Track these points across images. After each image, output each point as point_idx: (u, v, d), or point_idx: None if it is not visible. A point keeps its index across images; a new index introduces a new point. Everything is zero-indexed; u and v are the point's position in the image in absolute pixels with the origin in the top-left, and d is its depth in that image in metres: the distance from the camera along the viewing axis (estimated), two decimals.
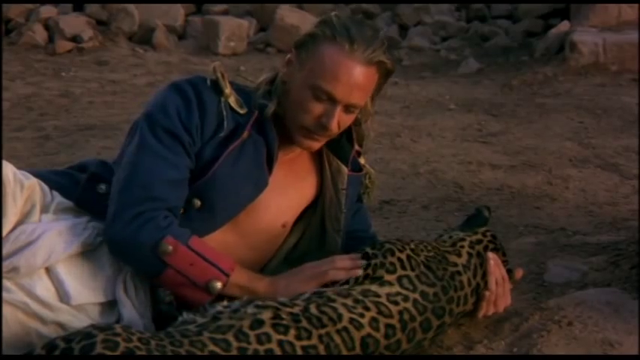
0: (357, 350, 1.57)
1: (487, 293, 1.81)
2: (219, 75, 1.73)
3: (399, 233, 2.74)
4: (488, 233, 1.90)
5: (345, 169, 1.88)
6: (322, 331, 1.53)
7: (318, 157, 1.90)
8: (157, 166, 1.64)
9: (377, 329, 1.60)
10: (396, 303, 1.64)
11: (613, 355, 1.72)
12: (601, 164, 3.64)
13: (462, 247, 1.84)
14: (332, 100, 1.68)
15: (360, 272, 1.68)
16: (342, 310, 1.58)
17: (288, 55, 1.75)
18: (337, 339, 1.54)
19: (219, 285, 1.63)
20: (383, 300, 1.64)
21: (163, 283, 1.66)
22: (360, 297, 1.63)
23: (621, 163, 3.65)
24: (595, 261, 2.36)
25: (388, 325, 1.61)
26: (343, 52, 1.66)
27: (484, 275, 1.82)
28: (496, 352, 1.78)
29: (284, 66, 1.75)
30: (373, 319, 1.60)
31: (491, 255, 1.84)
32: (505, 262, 1.90)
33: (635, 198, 3.09)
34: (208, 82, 1.73)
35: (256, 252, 1.83)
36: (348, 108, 1.71)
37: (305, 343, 1.51)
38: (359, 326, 1.58)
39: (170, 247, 1.60)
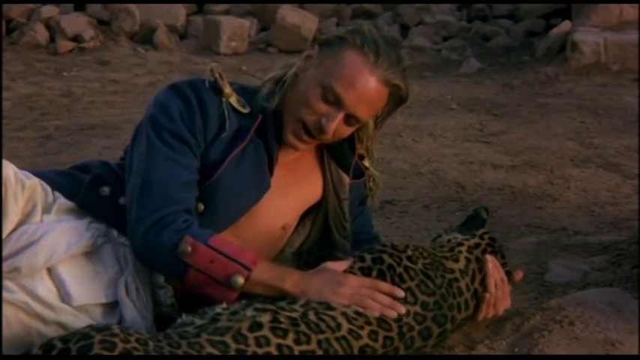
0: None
1: (487, 295, 1.81)
2: (216, 75, 1.73)
3: (400, 233, 2.74)
4: (486, 236, 1.89)
5: (346, 179, 1.87)
6: (321, 337, 1.53)
7: (319, 158, 1.89)
8: (170, 169, 1.65)
9: (375, 340, 1.60)
10: (398, 320, 1.64)
11: (614, 355, 1.72)
12: (602, 164, 3.64)
13: (460, 252, 1.83)
14: (338, 105, 1.68)
15: (394, 314, 1.63)
16: (341, 319, 1.58)
17: (309, 51, 1.75)
18: (337, 346, 1.54)
19: (241, 279, 1.58)
20: None
21: (189, 286, 1.64)
22: (362, 309, 1.62)
23: (623, 163, 3.65)
24: (596, 261, 2.36)
25: (387, 337, 1.62)
26: (367, 62, 1.67)
27: (483, 280, 1.81)
28: (497, 352, 1.78)
29: (301, 60, 1.74)
30: (372, 332, 1.60)
31: (489, 257, 1.84)
32: (504, 265, 1.89)
33: (636, 198, 3.09)
34: (207, 83, 1.73)
35: None
36: (349, 119, 1.71)
37: (304, 347, 1.50)
38: (357, 337, 1.58)
39: (189, 248, 1.59)
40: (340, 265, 1.70)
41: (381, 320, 1.62)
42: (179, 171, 1.65)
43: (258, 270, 1.61)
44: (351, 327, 1.58)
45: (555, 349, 1.75)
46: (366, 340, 1.58)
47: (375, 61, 1.67)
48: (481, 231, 1.91)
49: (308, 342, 1.51)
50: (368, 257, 1.74)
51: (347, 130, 1.75)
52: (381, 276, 1.69)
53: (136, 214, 1.64)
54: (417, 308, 1.67)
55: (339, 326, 1.57)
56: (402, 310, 1.63)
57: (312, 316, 1.56)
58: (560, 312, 1.89)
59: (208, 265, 1.59)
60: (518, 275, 1.94)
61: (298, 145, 1.75)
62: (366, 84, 1.67)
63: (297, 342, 1.50)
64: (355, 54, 1.67)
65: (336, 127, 1.70)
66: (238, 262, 1.60)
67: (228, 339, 1.46)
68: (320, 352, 1.52)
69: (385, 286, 1.66)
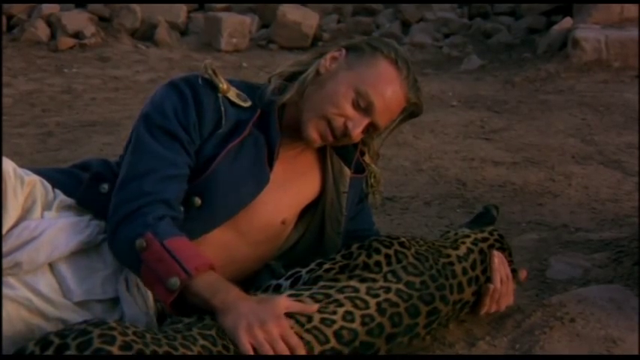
0: (333, 342, 1.56)
1: (490, 286, 1.81)
2: (210, 72, 1.73)
3: (401, 230, 2.74)
4: (495, 232, 1.90)
5: (347, 172, 1.88)
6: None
7: (321, 154, 1.89)
8: (153, 164, 1.64)
9: (352, 321, 1.59)
10: (375, 295, 1.64)
11: (615, 355, 1.72)
12: (603, 161, 3.64)
13: (464, 242, 1.83)
14: (367, 111, 1.70)
15: None
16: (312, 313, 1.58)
17: (334, 52, 1.76)
18: (307, 337, 1.54)
19: (177, 283, 1.53)
20: (361, 294, 1.63)
21: (143, 282, 1.63)
22: (334, 296, 1.61)
23: (624, 159, 3.65)
24: (597, 258, 2.36)
25: (364, 316, 1.61)
26: (400, 76, 1.72)
27: (485, 271, 1.82)
28: (498, 349, 1.78)
29: (325, 60, 1.75)
30: (347, 313, 1.59)
31: (496, 253, 1.84)
32: (510, 262, 1.90)
33: (637, 195, 3.09)
34: (200, 80, 1.73)
35: (257, 249, 1.82)
36: (369, 126, 1.73)
37: None
38: (331, 323, 1.57)
39: (144, 244, 1.57)
40: (293, 306, 1.57)
41: (356, 298, 1.62)
42: (162, 166, 1.65)
43: (198, 278, 1.55)
44: (323, 316, 1.57)
45: (556, 345, 1.75)
46: (340, 323, 1.57)
47: (406, 77, 1.73)
48: (490, 228, 1.91)
49: None
50: (355, 245, 1.76)
51: (361, 135, 1.77)
52: (360, 253, 1.72)
53: (112, 206, 1.65)
54: (401, 286, 1.67)
55: (310, 319, 1.56)
56: None
57: None
58: (561, 309, 1.89)
59: (156, 263, 1.56)
60: (523, 274, 1.94)
61: (318, 143, 1.76)
62: (394, 96, 1.72)
63: None
64: (390, 65, 1.72)
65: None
66: (182, 265, 1.55)
67: (214, 333, 1.48)
68: None
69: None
